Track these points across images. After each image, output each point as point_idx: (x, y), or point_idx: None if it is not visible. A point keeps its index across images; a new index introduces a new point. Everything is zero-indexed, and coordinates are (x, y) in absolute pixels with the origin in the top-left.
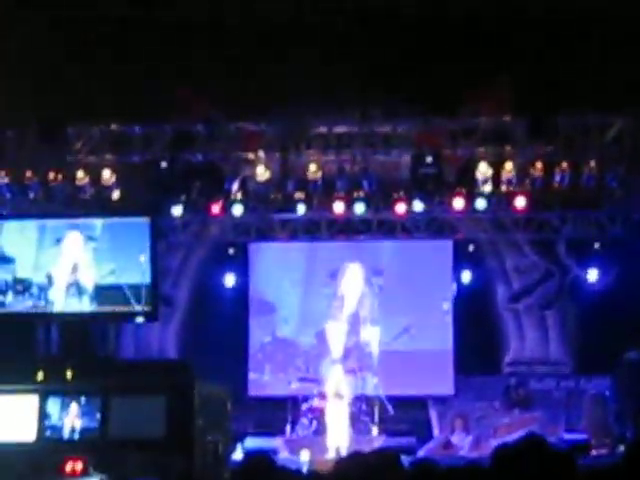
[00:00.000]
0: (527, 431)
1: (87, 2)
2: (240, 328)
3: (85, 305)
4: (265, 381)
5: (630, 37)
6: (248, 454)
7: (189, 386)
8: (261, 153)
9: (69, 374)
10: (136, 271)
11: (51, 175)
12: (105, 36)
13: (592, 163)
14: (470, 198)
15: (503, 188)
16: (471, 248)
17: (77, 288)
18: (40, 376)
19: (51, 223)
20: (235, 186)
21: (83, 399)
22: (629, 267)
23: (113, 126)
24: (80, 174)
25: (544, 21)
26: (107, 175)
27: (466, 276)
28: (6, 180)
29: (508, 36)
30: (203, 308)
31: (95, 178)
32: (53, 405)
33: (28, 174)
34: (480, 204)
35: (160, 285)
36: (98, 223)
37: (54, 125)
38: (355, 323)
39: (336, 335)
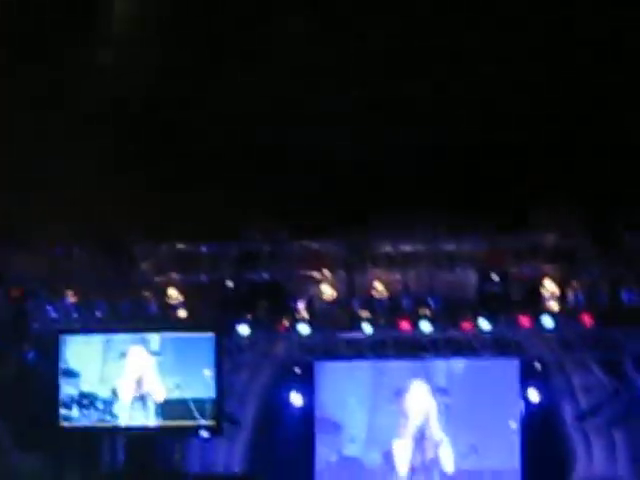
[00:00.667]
0: None
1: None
2: (306, 447)
3: (150, 419)
4: None
5: None
6: None
7: None
8: (326, 272)
9: None
10: (201, 386)
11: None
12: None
13: None
14: (536, 316)
15: (569, 306)
16: (538, 367)
17: (142, 402)
18: None
19: (116, 337)
20: (301, 305)
21: None
22: None
23: (179, 245)
24: (146, 293)
25: (605, 141)
26: (173, 294)
27: (533, 395)
28: (73, 300)
29: (570, 156)
30: (269, 426)
31: (161, 297)
32: None
33: (94, 295)
34: (547, 322)
35: (226, 403)
36: (163, 338)
37: (121, 244)
38: (421, 441)
39: (402, 453)
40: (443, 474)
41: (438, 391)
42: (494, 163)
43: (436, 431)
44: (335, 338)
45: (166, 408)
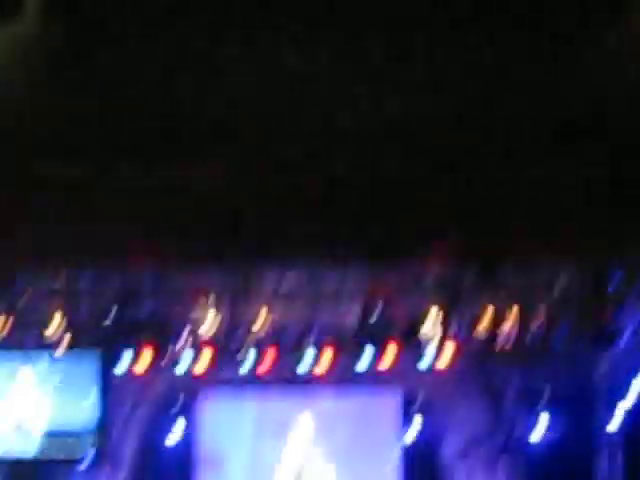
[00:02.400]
0: None
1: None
2: None
3: (31, 448)
4: None
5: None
6: None
7: None
8: (208, 307)
9: None
10: (85, 414)
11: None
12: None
13: (539, 315)
14: (419, 349)
15: (452, 339)
16: (419, 400)
17: (23, 431)
18: None
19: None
20: (181, 339)
21: None
22: (577, 419)
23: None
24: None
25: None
26: (54, 327)
27: (414, 430)
28: None
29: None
30: (149, 464)
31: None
32: None
33: None
34: (429, 355)
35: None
36: (47, 364)
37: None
38: (302, 475)
39: None
40: None
41: (320, 423)
42: (375, 196)
43: (318, 465)
44: (218, 371)
45: (48, 437)
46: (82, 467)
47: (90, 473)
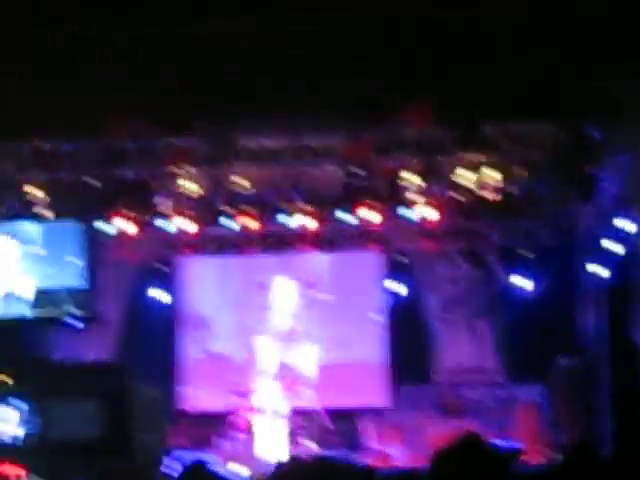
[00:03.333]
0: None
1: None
2: (171, 344)
3: (22, 311)
4: (198, 396)
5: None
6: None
7: (125, 387)
8: (190, 168)
9: (3, 378)
10: (72, 275)
11: None
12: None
13: (522, 171)
14: (399, 209)
15: (432, 198)
16: (402, 259)
17: (12, 294)
18: None
19: None
20: (164, 201)
21: (19, 403)
22: (558, 275)
23: (41, 143)
24: (8, 192)
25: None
26: (36, 193)
27: (397, 287)
28: None
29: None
30: (135, 324)
31: (23, 195)
32: None
33: None
34: (410, 215)
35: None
36: (31, 228)
37: None
38: (290, 338)
39: (267, 350)
40: (312, 371)
41: (305, 284)
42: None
43: (305, 327)
44: (200, 234)
45: (37, 299)
46: (76, 324)
47: (79, 333)
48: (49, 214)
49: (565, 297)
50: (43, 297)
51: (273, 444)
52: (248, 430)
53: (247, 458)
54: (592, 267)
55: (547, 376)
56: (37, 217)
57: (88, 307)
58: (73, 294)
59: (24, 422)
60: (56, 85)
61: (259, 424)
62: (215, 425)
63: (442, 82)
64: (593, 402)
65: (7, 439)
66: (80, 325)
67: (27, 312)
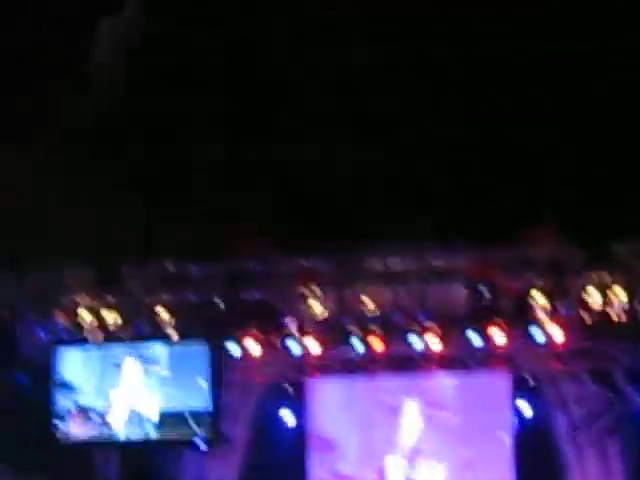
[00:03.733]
0: None
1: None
2: (300, 466)
3: (147, 432)
4: None
5: None
6: None
7: None
8: (316, 289)
9: None
10: (197, 397)
11: (106, 315)
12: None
13: None
14: (527, 329)
15: (560, 318)
16: (530, 380)
17: (138, 415)
18: None
19: (112, 350)
20: (291, 323)
21: None
22: None
23: (168, 265)
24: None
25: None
26: (163, 314)
27: (525, 408)
28: (63, 322)
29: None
30: (262, 446)
31: (151, 317)
32: None
33: (84, 314)
34: (537, 335)
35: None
36: (158, 349)
37: (110, 265)
38: (414, 457)
39: (395, 469)
40: None
41: (431, 406)
42: (481, 176)
43: (431, 448)
44: (327, 356)
45: (162, 420)
46: (201, 446)
47: (205, 456)
48: (175, 335)
49: None
50: (168, 419)
51: None
52: None
53: None
54: None
55: None
56: (164, 338)
57: (213, 429)
58: (197, 416)
59: None
60: (182, 209)
61: None
62: None
63: (570, 201)
64: None
65: None
66: (204, 447)
67: (152, 434)
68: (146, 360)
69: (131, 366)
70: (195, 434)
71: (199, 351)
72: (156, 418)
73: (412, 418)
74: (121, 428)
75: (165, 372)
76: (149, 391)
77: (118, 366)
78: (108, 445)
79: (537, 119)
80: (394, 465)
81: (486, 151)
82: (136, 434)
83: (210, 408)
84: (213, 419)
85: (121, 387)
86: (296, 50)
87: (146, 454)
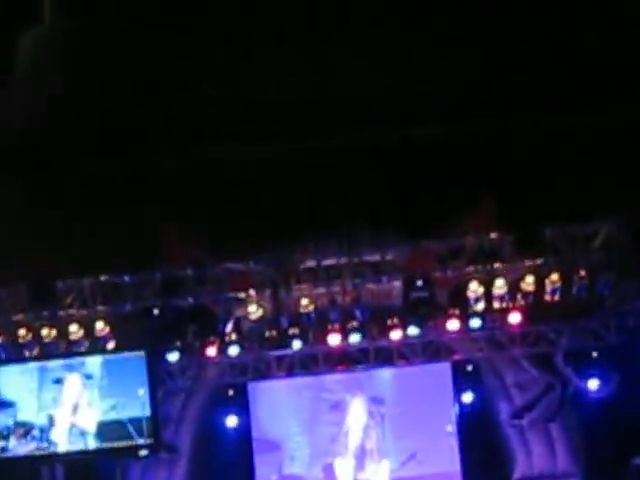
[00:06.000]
0: None
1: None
2: (246, 469)
3: (88, 444)
4: None
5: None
6: None
7: None
8: (252, 292)
9: None
10: (136, 405)
11: (44, 332)
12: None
13: (582, 272)
14: (464, 318)
15: (496, 305)
16: (469, 368)
17: (79, 429)
18: None
19: (50, 365)
20: (228, 327)
21: None
22: (628, 373)
23: (102, 278)
24: (73, 328)
25: (521, 142)
26: (100, 326)
27: (467, 396)
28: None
29: (489, 160)
30: (207, 451)
31: (89, 331)
32: None
33: (22, 332)
34: (474, 323)
35: (162, 431)
36: (95, 361)
37: (44, 282)
38: (362, 457)
39: (343, 471)
40: None
41: (374, 401)
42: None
43: (376, 444)
44: (265, 357)
45: (103, 430)
46: (142, 453)
47: (150, 464)
48: (111, 345)
49: (636, 395)
50: (108, 429)
51: None
52: None
53: None
54: None
55: (623, 477)
56: (101, 350)
57: (153, 435)
58: (137, 423)
59: None
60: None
61: None
62: None
63: (500, 187)
64: None
65: None
66: (145, 453)
67: (92, 444)
68: (85, 373)
69: (71, 381)
70: (137, 443)
71: (136, 360)
72: (96, 430)
73: (357, 415)
74: (63, 441)
75: (104, 383)
76: (88, 405)
77: (58, 381)
78: (49, 459)
79: (465, 108)
80: (343, 466)
81: (419, 146)
82: (77, 446)
83: (149, 415)
84: (153, 425)
85: (61, 403)
86: None
87: (90, 466)
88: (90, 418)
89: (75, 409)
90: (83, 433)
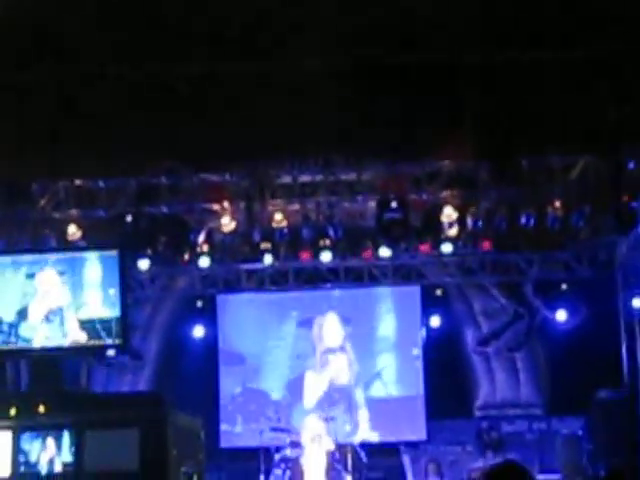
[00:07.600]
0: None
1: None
2: (210, 380)
3: (58, 341)
4: (237, 432)
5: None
6: None
7: (163, 417)
8: (226, 204)
9: (42, 409)
10: (106, 305)
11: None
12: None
13: (557, 203)
14: (436, 243)
15: (469, 232)
16: (439, 293)
17: (51, 322)
18: (13, 412)
19: (23, 259)
20: (201, 238)
21: (57, 434)
22: (597, 306)
23: (77, 182)
24: (46, 230)
25: (502, 66)
26: (73, 230)
27: (435, 321)
28: None
29: (467, 82)
30: (173, 360)
31: (61, 233)
32: (27, 441)
33: None
34: (446, 248)
35: (129, 338)
36: (66, 258)
37: (19, 183)
38: (330, 372)
39: (313, 385)
40: (350, 405)
41: (342, 320)
42: (390, 90)
43: (344, 361)
44: (236, 270)
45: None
46: (110, 353)
47: (115, 369)
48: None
49: (604, 329)
50: (80, 327)
51: (312, 478)
52: (286, 465)
53: None
54: (631, 299)
55: (586, 409)
56: (74, 249)
57: (122, 336)
58: (106, 323)
59: (60, 452)
60: (92, 127)
61: (297, 459)
62: (254, 461)
63: (480, 114)
64: (633, 435)
65: (44, 469)
66: (112, 353)
67: (60, 340)
68: (58, 271)
69: (45, 277)
70: (104, 342)
71: (109, 259)
72: (69, 327)
73: (329, 332)
74: (31, 338)
75: (75, 281)
76: (61, 301)
77: (32, 276)
78: (15, 354)
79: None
80: (312, 380)
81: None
82: (46, 343)
83: (119, 315)
84: (122, 326)
85: (35, 298)
86: None
87: (55, 366)
88: (64, 314)
89: (48, 305)
90: (56, 328)
